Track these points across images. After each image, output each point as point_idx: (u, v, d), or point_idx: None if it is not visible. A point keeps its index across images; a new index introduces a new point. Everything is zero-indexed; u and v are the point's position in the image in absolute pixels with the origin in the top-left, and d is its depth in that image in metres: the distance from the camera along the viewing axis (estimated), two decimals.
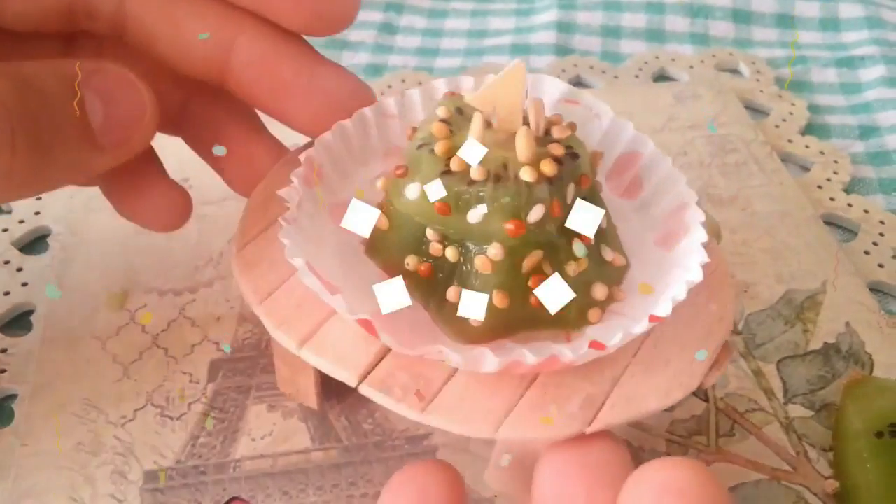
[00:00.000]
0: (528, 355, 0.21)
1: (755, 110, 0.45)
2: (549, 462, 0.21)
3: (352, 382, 0.22)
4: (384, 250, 0.25)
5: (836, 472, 0.28)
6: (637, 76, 0.48)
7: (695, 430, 0.29)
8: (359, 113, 0.27)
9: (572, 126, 0.25)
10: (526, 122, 0.24)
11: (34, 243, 0.36)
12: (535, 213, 0.22)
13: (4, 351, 0.31)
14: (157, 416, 0.29)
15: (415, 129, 0.25)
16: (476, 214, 0.22)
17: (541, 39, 0.51)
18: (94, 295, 0.33)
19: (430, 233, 0.23)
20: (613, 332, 0.22)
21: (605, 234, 0.25)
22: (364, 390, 0.22)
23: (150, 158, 0.29)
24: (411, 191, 0.23)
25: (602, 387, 0.22)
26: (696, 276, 0.23)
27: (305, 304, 0.23)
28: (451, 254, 0.23)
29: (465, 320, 0.22)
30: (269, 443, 0.28)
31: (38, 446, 0.28)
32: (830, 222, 0.38)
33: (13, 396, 0.30)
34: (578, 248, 0.23)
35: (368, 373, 0.22)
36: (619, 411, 0.22)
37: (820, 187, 0.40)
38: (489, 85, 0.23)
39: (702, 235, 0.25)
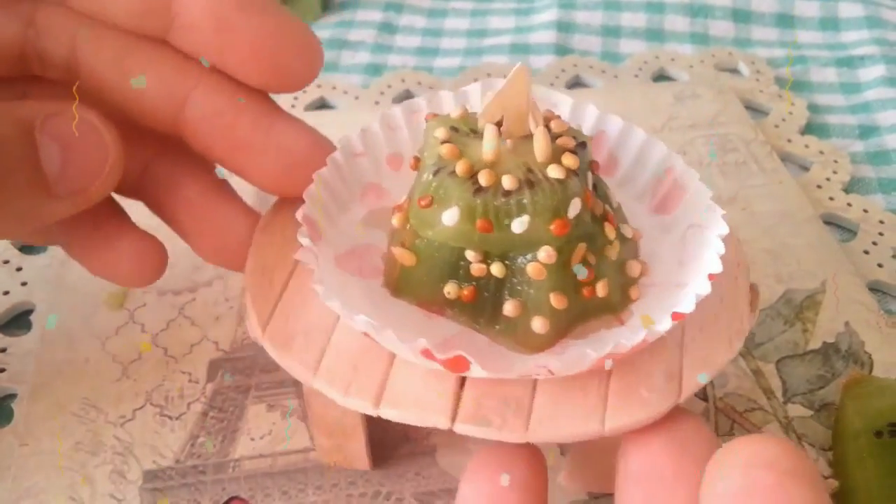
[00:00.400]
0: (624, 342, 0.21)
1: (755, 110, 0.45)
2: (634, 442, 0.22)
3: (445, 425, 0.21)
4: (414, 286, 0.24)
5: (835, 471, 0.28)
6: (637, 76, 0.48)
7: None
8: (330, 159, 0.25)
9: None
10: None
11: None
12: (574, 208, 0.22)
13: (4, 350, 0.31)
14: (156, 416, 0.29)
15: (418, 159, 0.24)
16: (520, 224, 0.22)
17: (540, 39, 0.51)
18: (93, 294, 0.33)
19: (470, 254, 0.22)
20: (656, 304, 0.23)
21: (620, 212, 0.25)
22: (460, 429, 0.21)
23: (113, 209, 0.27)
24: (448, 217, 0.22)
25: (673, 358, 0.23)
26: (724, 229, 0.24)
27: (361, 363, 0.22)
28: (496, 270, 0.22)
29: (529, 331, 0.22)
30: (269, 442, 0.28)
31: (37, 446, 0.28)
32: (830, 222, 0.38)
33: (12, 396, 0.30)
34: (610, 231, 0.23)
35: (456, 410, 0.22)
36: (697, 374, 0.22)
37: (819, 187, 0.40)
38: (496, 94, 0.23)
39: (705, 191, 0.25)
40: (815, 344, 0.32)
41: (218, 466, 0.28)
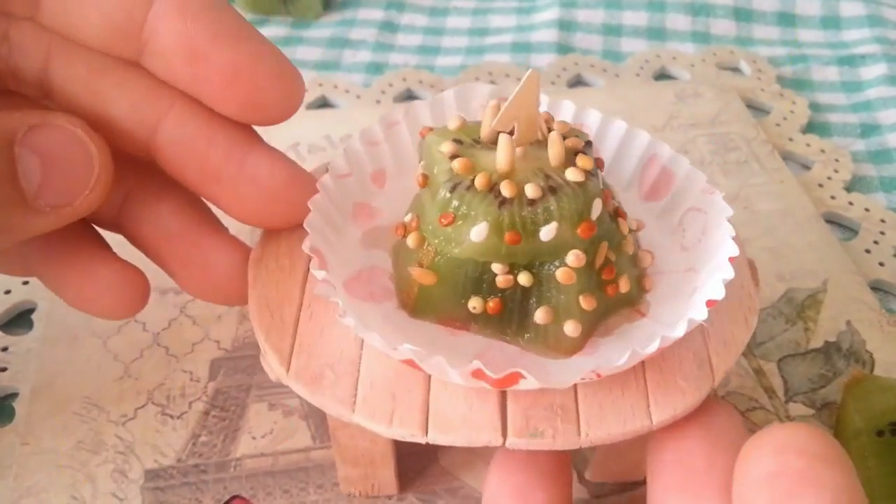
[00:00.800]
0: (670, 335, 0.21)
1: (756, 108, 0.45)
2: (668, 433, 0.22)
3: (497, 442, 0.21)
4: (435, 305, 0.23)
5: None
6: (638, 75, 0.48)
7: None
8: (320, 184, 0.25)
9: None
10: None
11: None
12: (596, 209, 0.22)
13: (5, 349, 0.31)
14: (157, 415, 0.29)
15: (426, 176, 0.23)
16: (548, 231, 0.21)
17: (542, 38, 0.51)
18: None
19: (496, 267, 0.22)
20: (672, 291, 0.23)
21: (621, 205, 0.25)
22: (513, 443, 0.21)
23: (92, 237, 0.26)
24: (476, 233, 0.22)
25: (698, 344, 0.23)
26: (728, 211, 0.24)
27: (398, 391, 0.22)
28: (524, 279, 0.22)
29: (561, 335, 0.22)
30: (270, 441, 0.28)
31: (38, 445, 0.28)
32: (831, 221, 0.38)
33: (14, 395, 0.30)
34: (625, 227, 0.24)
35: (505, 426, 0.21)
36: (724, 356, 0.23)
37: (821, 186, 0.40)
38: (509, 103, 0.23)
39: (699, 175, 0.25)
40: (816, 343, 0.32)
41: (219, 465, 0.28)
